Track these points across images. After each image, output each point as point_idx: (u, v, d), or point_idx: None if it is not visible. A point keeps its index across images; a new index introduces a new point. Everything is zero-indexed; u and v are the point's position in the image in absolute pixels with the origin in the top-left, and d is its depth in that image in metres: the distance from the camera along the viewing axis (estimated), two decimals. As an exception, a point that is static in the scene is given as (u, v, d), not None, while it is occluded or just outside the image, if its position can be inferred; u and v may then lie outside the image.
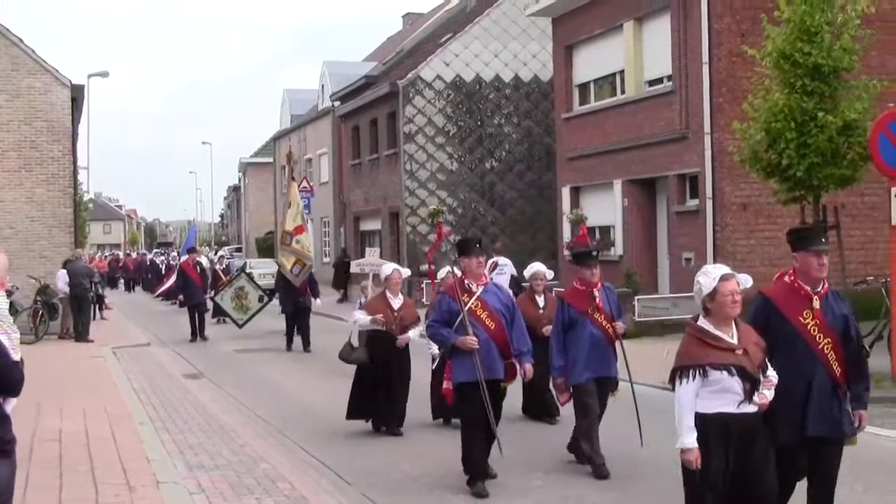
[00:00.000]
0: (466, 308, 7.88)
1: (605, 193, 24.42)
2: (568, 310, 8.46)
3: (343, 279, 34.46)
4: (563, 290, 10.50)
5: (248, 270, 41.21)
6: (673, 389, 5.32)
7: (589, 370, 8.36)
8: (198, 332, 22.10)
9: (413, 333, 10.69)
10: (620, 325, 8.62)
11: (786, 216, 17.84)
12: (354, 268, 17.99)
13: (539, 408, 11.06)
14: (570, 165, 25.96)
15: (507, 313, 8.04)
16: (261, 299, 21.82)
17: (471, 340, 7.79)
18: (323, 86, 43.47)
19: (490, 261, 25.33)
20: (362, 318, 10.76)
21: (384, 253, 33.44)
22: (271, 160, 55.25)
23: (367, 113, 35.32)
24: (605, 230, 24.83)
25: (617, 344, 8.66)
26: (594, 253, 8.82)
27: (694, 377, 5.17)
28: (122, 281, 51.28)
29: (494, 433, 7.92)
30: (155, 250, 66.08)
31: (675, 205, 21.67)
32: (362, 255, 38.05)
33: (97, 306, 25.96)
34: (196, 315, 22.27)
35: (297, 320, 19.87)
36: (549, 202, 30.49)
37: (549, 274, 11.20)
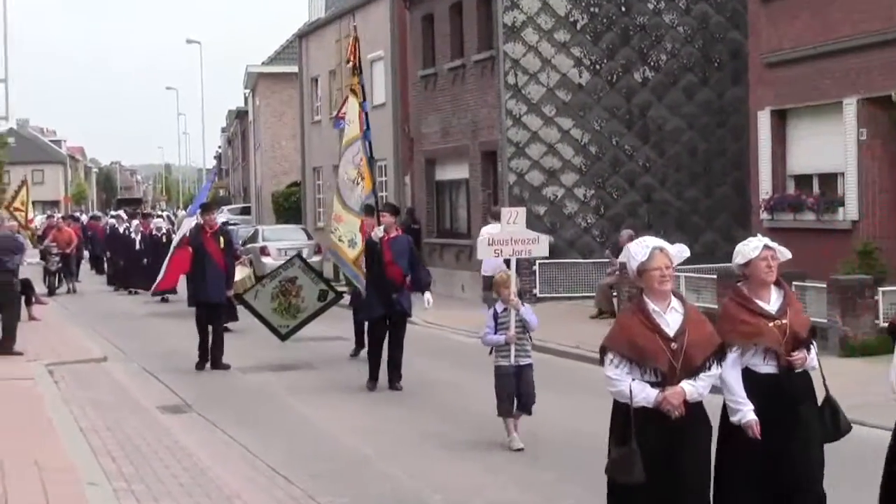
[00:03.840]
0: None
1: (828, 120, 24.00)
2: None
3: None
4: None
5: (263, 242, 41.63)
6: None
7: None
8: (209, 354, 21.08)
9: (699, 386, 8.42)
10: None
11: None
12: (484, 251, 15.15)
13: None
14: (771, 75, 25.51)
15: None
16: (323, 296, 21.24)
17: None
18: (376, -49, 43.31)
19: (484, 229, 24.92)
20: (640, 390, 8.26)
21: (471, 217, 33.31)
22: (295, 69, 55.48)
23: (445, -5, 35.32)
24: (829, 179, 24.43)
25: None
26: None
27: None
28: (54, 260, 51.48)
29: None
30: (112, 213, 66.59)
31: (946, 138, 21.15)
32: (439, 219, 38.89)
33: (24, 300, 26.18)
34: (212, 323, 21.23)
35: (390, 332, 18.46)
36: (737, 135, 29.93)
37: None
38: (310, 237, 44.20)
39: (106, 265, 45.59)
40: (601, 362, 8.45)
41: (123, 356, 22.81)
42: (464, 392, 17.78)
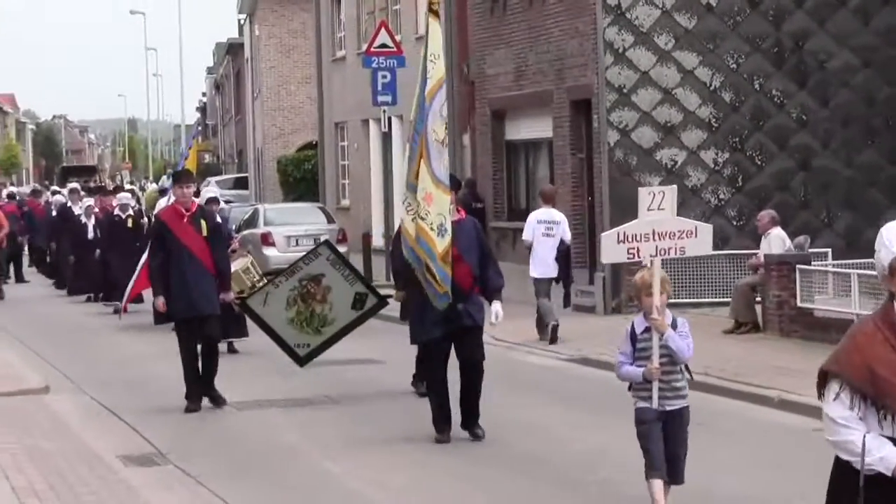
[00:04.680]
0: None
1: None
2: None
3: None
4: None
5: (265, 227, 41.33)
6: None
7: None
8: (199, 389, 20.75)
9: None
10: None
11: None
12: (611, 252, 14.56)
13: None
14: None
15: None
16: (359, 302, 21.57)
17: None
18: None
19: (532, 215, 27.19)
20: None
21: (561, 198, 33.08)
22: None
23: None
24: None
25: None
26: None
27: None
28: None
29: None
30: (52, 189, 66.86)
31: None
32: (510, 194, 38.50)
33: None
34: (204, 342, 21.07)
35: (461, 356, 18.25)
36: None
37: None
38: (331, 220, 45.01)
39: (49, 259, 46.30)
40: (819, 394, 7.64)
41: (72, 386, 23.04)
42: (550, 439, 18.02)
